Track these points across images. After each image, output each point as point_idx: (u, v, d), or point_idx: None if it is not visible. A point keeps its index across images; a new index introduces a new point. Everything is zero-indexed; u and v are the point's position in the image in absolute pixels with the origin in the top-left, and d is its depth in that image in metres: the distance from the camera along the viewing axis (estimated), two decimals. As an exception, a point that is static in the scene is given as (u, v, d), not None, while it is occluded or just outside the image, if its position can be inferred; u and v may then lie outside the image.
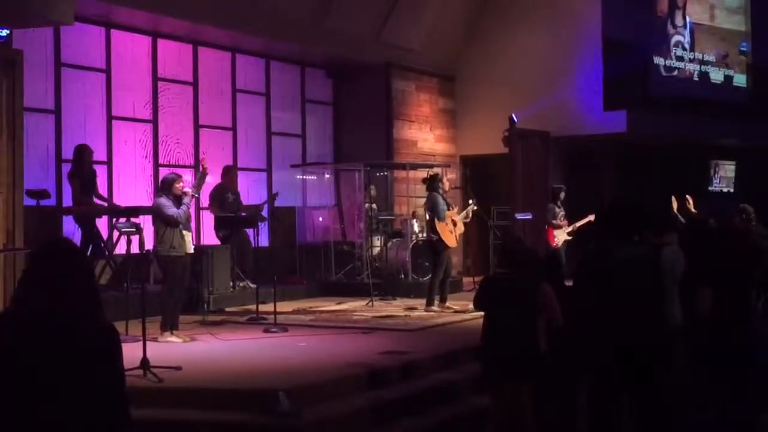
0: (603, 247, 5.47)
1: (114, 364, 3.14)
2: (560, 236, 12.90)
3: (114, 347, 3.16)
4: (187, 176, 11.77)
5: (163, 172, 12.93)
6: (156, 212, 9.14)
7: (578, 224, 12.86)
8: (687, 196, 11.18)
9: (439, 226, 11.40)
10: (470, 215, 12.21)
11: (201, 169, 9.85)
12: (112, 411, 3.10)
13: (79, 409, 3.01)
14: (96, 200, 11.36)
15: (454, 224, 11.62)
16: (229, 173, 12.71)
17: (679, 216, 10.52)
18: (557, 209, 13.05)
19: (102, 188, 11.70)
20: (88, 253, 10.94)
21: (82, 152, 11.17)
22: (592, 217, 11.64)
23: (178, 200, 9.12)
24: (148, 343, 7.46)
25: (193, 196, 9.43)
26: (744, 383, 6.16)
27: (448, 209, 11.57)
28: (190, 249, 9.29)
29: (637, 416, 5.20)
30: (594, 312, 5.18)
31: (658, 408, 5.39)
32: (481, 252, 15.60)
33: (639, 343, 5.05)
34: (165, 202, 9.07)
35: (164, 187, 9.25)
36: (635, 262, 5.16)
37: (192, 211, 9.71)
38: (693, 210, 11.04)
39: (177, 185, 9.18)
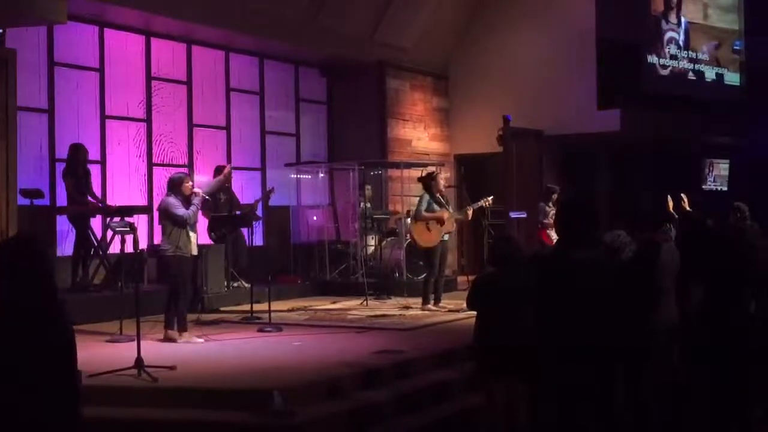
0: (559, 248, 5.39)
1: (60, 363, 3.13)
2: (555, 235, 12.87)
3: (61, 347, 3.14)
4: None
5: (157, 172, 12.97)
6: (164, 212, 9.00)
7: None
8: (682, 194, 11.18)
9: (412, 226, 11.42)
10: (469, 215, 12.02)
11: (226, 171, 9.71)
12: (60, 408, 3.09)
13: (23, 404, 3.02)
14: (90, 200, 11.32)
15: (441, 223, 11.46)
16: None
17: (674, 214, 10.52)
18: (548, 209, 13.03)
19: (96, 187, 11.67)
20: (84, 252, 10.95)
21: (77, 151, 11.14)
22: None
23: (186, 200, 9.05)
24: (147, 343, 7.44)
25: (203, 196, 9.34)
26: (741, 380, 6.18)
27: (441, 208, 11.53)
28: (195, 251, 9.18)
29: (597, 417, 5.14)
30: (552, 313, 5.09)
31: (618, 409, 5.37)
32: (476, 251, 15.61)
33: (600, 344, 4.98)
34: (174, 201, 8.96)
35: (172, 187, 9.11)
36: (593, 263, 5.07)
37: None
38: (688, 208, 11.04)
39: (185, 185, 9.09)
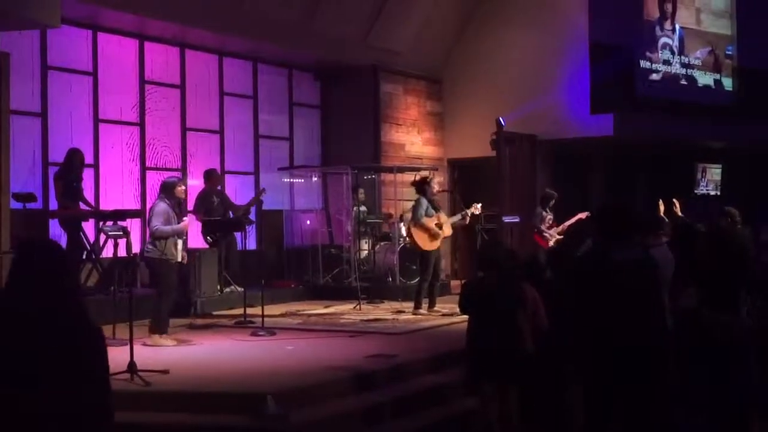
0: (598, 249, 5.50)
1: (93, 364, 3.13)
2: (551, 238, 12.86)
3: (93, 348, 3.14)
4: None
5: (151, 175, 12.95)
6: (149, 217, 8.97)
7: (567, 223, 12.74)
8: (674, 200, 11.23)
9: (413, 230, 11.40)
10: (467, 219, 11.99)
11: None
12: (89, 411, 3.09)
13: (55, 405, 3.01)
14: (82, 206, 11.28)
15: (439, 227, 11.46)
16: (212, 178, 12.62)
17: (666, 219, 10.55)
18: (545, 213, 13.04)
19: (89, 191, 11.65)
20: (79, 256, 10.92)
21: (73, 156, 11.12)
22: (582, 215, 11.61)
23: (178, 204, 8.98)
24: (135, 346, 7.43)
25: (185, 226, 9.18)
26: (736, 384, 6.17)
27: (436, 212, 11.52)
28: (179, 257, 9.08)
29: (630, 418, 5.21)
30: (590, 313, 5.19)
31: (652, 410, 5.41)
32: (469, 255, 15.61)
33: (639, 344, 5.08)
34: (159, 209, 8.87)
35: (165, 191, 9.05)
36: (633, 263, 5.21)
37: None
38: (679, 214, 11.08)
39: (178, 188, 9.05)
